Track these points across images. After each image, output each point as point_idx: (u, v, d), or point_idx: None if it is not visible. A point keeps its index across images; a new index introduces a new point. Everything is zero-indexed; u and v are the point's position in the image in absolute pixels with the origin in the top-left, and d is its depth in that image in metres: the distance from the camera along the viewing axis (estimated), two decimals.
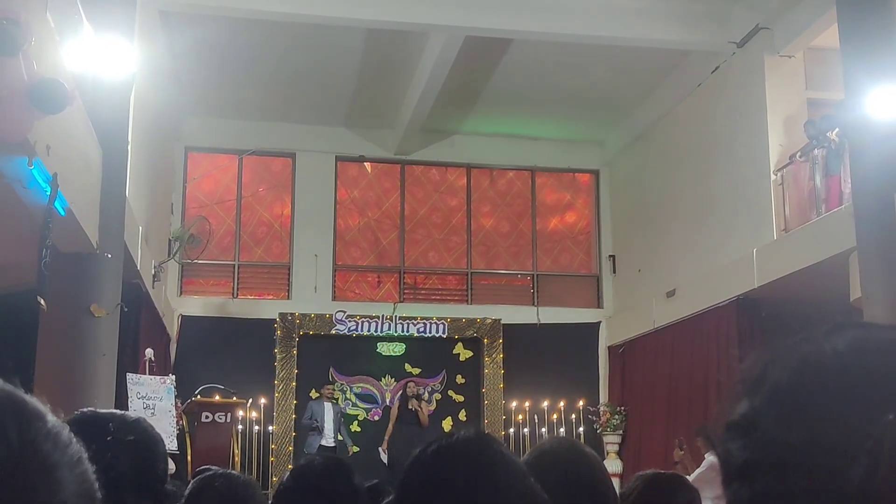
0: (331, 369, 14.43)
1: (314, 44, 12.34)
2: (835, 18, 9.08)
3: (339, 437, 12.72)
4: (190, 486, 2.85)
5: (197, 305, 14.39)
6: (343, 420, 13.13)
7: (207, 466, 2.93)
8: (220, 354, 13.55)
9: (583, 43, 12.00)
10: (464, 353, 14.92)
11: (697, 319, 12.54)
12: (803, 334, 0.82)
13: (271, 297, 14.93)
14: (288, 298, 14.79)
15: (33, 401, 0.72)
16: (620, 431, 14.40)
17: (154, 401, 9.73)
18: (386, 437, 13.03)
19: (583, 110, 14.50)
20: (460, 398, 14.81)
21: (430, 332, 14.62)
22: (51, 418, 0.72)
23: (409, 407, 13.06)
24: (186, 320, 14.14)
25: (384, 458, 12.81)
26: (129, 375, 9.57)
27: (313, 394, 14.05)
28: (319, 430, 12.45)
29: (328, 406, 12.75)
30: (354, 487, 2.55)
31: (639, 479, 2.77)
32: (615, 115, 14.76)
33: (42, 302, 6.25)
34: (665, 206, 13.97)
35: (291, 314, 14.28)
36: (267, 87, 13.68)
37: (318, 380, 14.23)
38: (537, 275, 15.70)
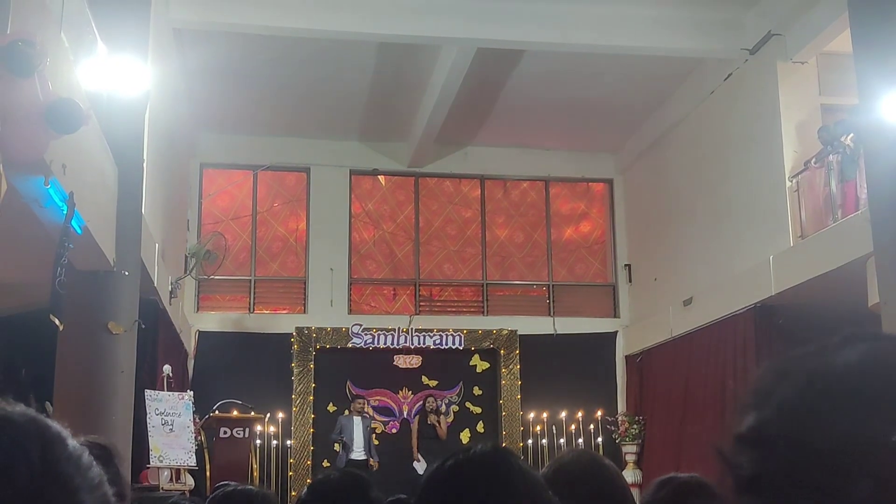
0: (348, 383, 14.43)
1: (327, 59, 12.39)
2: (847, 23, 9.05)
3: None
4: (207, 502, 2.86)
5: (214, 321, 14.43)
6: (373, 434, 13.13)
7: (226, 482, 2.94)
8: (238, 369, 13.59)
9: (594, 52, 12.00)
10: (480, 365, 14.89)
11: (715, 328, 12.48)
12: (814, 346, 0.81)
13: (287, 311, 14.96)
14: (304, 312, 14.81)
15: (55, 425, 0.74)
16: (639, 441, 14.34)
17: (172, 417, 9.75)
18: (415, 449, 13.02)
19: (596, 119, 14.49)
20: (478, 410, 14.78)
21: (446, 344, 14.60)
22: (72, 442, 0.74)
23: (429, 421, 13.07)
24: (203, 336, 14.18)
25: (421, 468, 12.75)
26: (148, 392, 9.60)
27: (330, 407, 14.06)
28: (347, 448, 12.46)
29: (357, 420, 12.76)
30: (371, 501, 2.55)
31: (663, 484, 2.75)
32: (628, 123, 14.74)
33: (56, 321, 6.27)
34: (680, 214, 13.93)
35: (308, 328, 14.29)
36: (280, 103, 13.74)
37: (335, 393, 14.25)
38: (553, 285, 15.67)
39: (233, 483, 2.91)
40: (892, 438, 0.71)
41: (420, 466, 12.84)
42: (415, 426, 13.36)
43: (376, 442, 13.05)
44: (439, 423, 13.06)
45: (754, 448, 0.79)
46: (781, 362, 0.83)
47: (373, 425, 13.36)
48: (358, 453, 12.50)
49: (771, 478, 0.76)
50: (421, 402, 13.99)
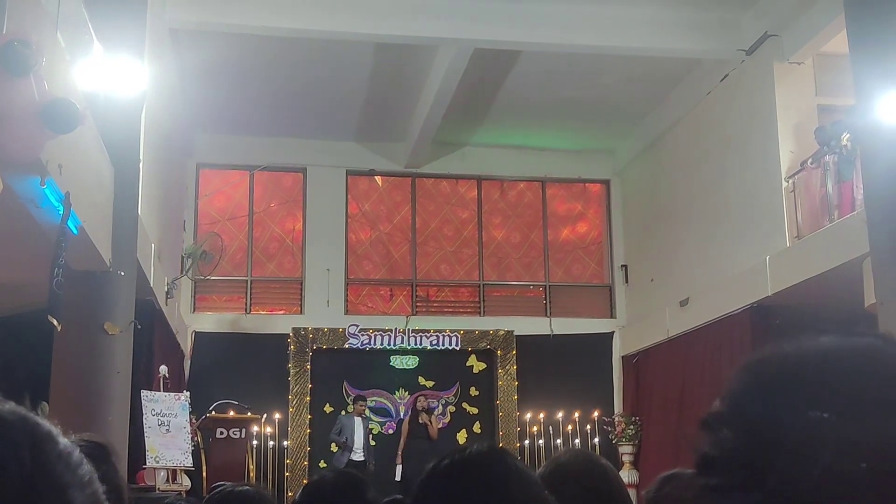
0: (344, 383, 14.43)
1: (323, 59, 12.38)
2: (843, 24, 9.06)
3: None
4: (205, 503, 2.85)
5: (210, 321, 14.42)
6: (371, 435, 13.13)
7: (222, 483, 2.92)
8: (234, 370, 13.58)
9: (592, 53, 12.00)
10: (477, 365, 14.89)
11: (711, 328, 12.49)
12: (784, 342, 0.85)
13: (284, 311, 14.95)
14: (301, 313, 14.80)
15: (45, 423, 0.74)
16: (636, 441, 14.35)
17: (169, 417, 9.74)
18: (399, 452, 13.03)
19: (593, 120, 14.50)
20: (474, 410, 14.79)
21: (443, 345, 14.60)
22: (62, 440, 0.74)
23: (420, 421, 13.06)
24: (200, 336, 14.16)
25: (397, 472, 12.81)
26: (144, 392, 9.60)
27: (327, 408, 14.05)
28: (349, 448, 12.45)
29: (358, 421, 12.76)
30: (368, 503, 2.53)
31: (667, 480, 2.74)
32: (625, 124, 14.75)
33: (55, 322, 6.26)
34: (677, 214, 13.94)
35: (304, 329, 14.28)
36: (277, 103, 13.73)
37: (332, 394, 14.24)
38: (550, 285, 15.67)
39: (229, 483, 2.89)
40: (839, 426, 0.73)
41: (399, 471, 12.87)
42: (405, 426, 13.34)
43: (373, 442, 13.06)
44: (430, 423, 13.05)
45: (710, 431, 0.82)
46: (752, 358, 0.86)
47: (370, 426, 13.37)
48: (357, 454, 12.50)
49: (719, 460, 0.80)
50: (413, 402, 13.95)
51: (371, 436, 13.13)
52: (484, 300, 15.49)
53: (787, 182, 11.22)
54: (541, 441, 14.25)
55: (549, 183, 16.05)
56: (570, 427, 14.32)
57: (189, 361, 13.91)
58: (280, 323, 14.54)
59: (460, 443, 14.01)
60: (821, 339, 0.82)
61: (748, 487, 0.76)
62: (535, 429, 14.36)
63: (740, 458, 0.77)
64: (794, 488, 0.73)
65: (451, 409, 14.73)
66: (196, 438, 10.67)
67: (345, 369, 14.45)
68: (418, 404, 13.32)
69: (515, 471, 1.58)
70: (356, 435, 12.59)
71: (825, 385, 0.77)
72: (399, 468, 12.93)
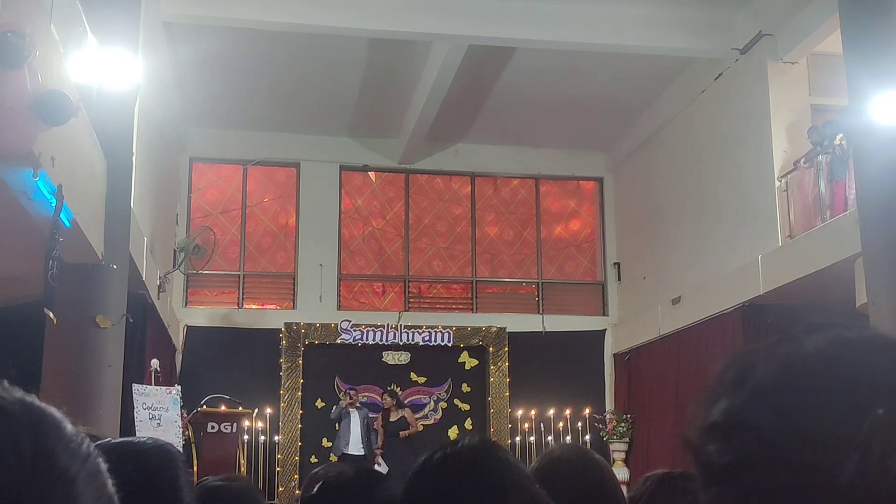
0: (336, 379, 14.41)
1: (318, 54, 12.37)
2: (838, 24, 9.08)
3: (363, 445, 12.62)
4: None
5: (202, 316, 14.39)
6: (372, 426, 13.02)
7: (204, 478, 2.87)
8: (226, 365, 13.55)
9: (586, 51, 12.01)
10: (469, 362, 14.89)
11: (703, 326, 12.51)
12: (777, 337, 0.82)
13: (276, 306, 14.93)
14: (293, 308, 14.79)
15: (52, 410, 0.70)
16: (627, 439, 14.37)
17: (160, 411, 9.72)
18: (378, 450, 12.84)
19: (586, 118, 14.50)
20: (466, 407, 14.79)
21: (435, 341, 14.60)
22: (69, 428, 0.70)
23: (391, 419, 12.90)
24: (192, 331, 14.14)
25: (381, 469, 12.75)
26: (135, 386, 9.58)
27: (318, 403, 14.03)
28: (342, 443, 12.42)
29: (353, 412, 12.68)
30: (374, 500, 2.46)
31: (649, 480, 2.75)
32: (619, 122, 14.75)
33: (50, 314, 6.25)
34: (670, 213, 13.95)
35: (296, 324, 14.27)
36: (271, 98, 13.71)
37: (323, 389, 14.22)
38: (542, 283, 15.68)
39: (211, 477, 2.83)
40: (875, 412, 0.72)
41: (381, 469, 12.80)
42: (378, 425, 13.13)
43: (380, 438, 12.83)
44: (405, 418, 12.90)
45: (730, 434, 0.78)
46: (745, 353, 0.83)
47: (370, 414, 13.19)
48: (357, 448, 12.43)
49: (752, 462, 0.76)
50: (379, 401, 13.71)
51: (371, 429, 12.94)
52: (476, 297, 15.49)
53: (780, 181, 11.24)
54: (532, 438, 14.27)
55: (542, 180, 16.05)
56: (561, 424, 14.34)
57: (181, 355, 13.88)
58: (272, 318, 14.52)
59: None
60: (824, 331, 0.80)
61: (811, 488, 0.73)
62: (526, 425, 14.38)
63: (793, 457, 0.74)
64: (872, 482, 0.71)
65: (443, 405, 14.73)
66: (187, 433, 10.65)
67: (336, 364, 14.41)
68: (384, 403, 13.09)
69: (506, 464, 1.59)
70: (353, 427, 12.50)
71: (882, 378, 0.75)
72: (383, 466, 12.88)
